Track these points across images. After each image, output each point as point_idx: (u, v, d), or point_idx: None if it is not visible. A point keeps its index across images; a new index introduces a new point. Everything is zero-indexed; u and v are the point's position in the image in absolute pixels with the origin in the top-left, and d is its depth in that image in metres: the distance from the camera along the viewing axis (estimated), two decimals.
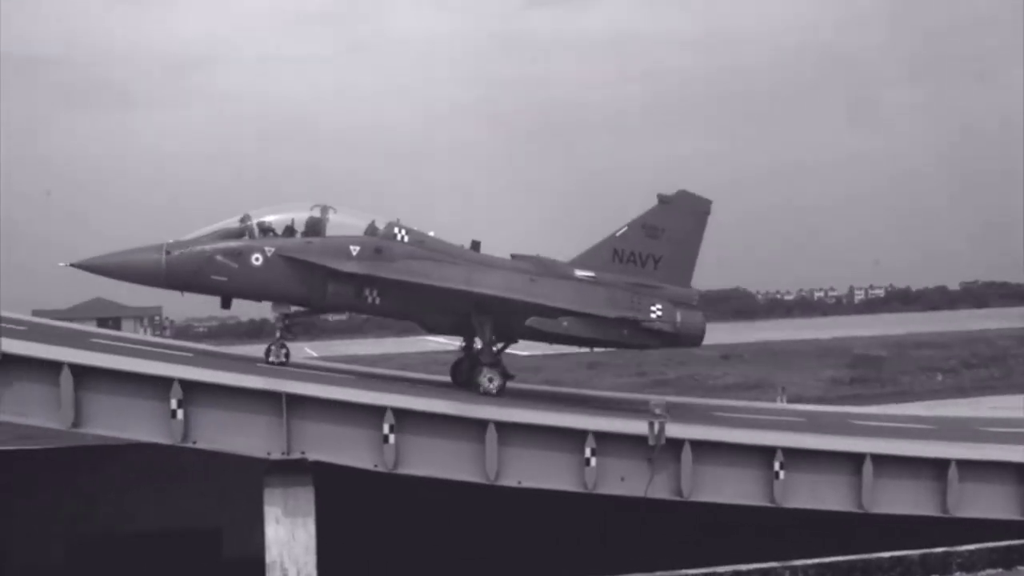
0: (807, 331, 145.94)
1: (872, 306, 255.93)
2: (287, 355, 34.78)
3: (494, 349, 35.67)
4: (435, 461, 28.97)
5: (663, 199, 37.02)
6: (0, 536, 37.80)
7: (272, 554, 28.55)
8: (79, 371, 27.55)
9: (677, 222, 36.83)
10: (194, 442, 28.04)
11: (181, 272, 33.39)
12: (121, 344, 36.45)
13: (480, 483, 29.10)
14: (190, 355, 35.76)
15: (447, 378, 39.40)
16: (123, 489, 38.43)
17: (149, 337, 76.97)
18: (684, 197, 37.14)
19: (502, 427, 29.01)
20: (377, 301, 34.36)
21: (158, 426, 27.92)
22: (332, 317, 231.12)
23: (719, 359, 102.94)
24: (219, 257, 33.38)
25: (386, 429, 28.40)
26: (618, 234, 36.83)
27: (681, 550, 30.93)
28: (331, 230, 34.11)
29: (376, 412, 28.59)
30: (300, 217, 33.99)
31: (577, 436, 29.57)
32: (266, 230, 33.86)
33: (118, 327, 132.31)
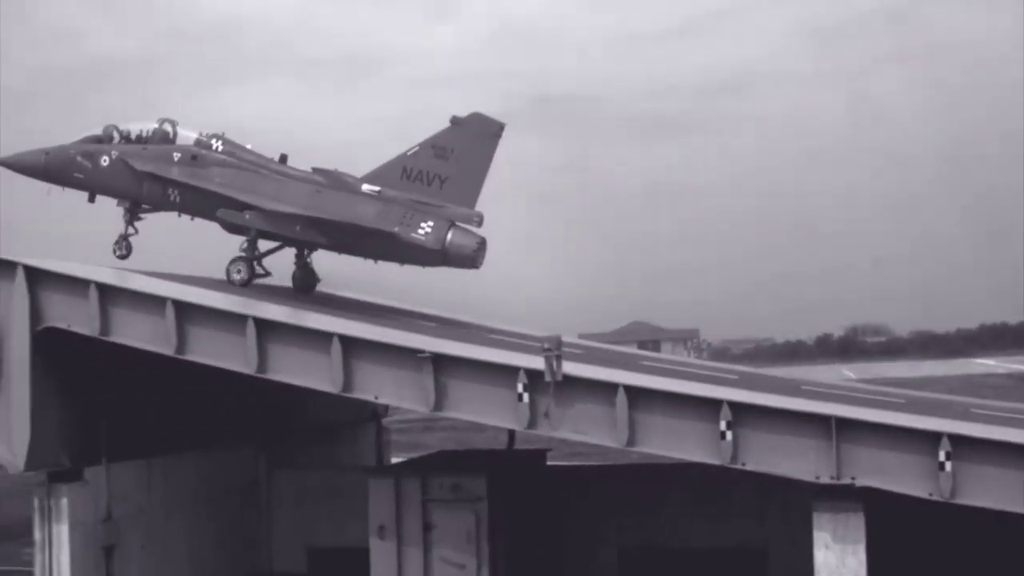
0: None
1: None
2: (128, 248, 38.75)
3: (305, 254, 39.52)
4: (999, 491, 27.12)
5: (455, 120, 37.03)
6: (558, 542, 40.22)
7: None
8: (632, 393, 28.74)
9: (467, 143, 36.86)
10: (743, 464, 28.31)
11: (53, 168, 38.77)
12: (667, 366, 37.67)
13: None
14: (735, 377, 36.18)
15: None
16: (672, 505, 39.52)
17: (692, 359, 78.89)
18: (476, 119, 37.03)
19: None
20: (177, 200, 38.29)
21: (707, 447, 28.48)
22: (871, 339, 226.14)
23: None
24: (79, 158, 38.60)
25: (941, 456, 27.07)
26: (409, 153, 37.40)
27: None
28: (177, 141, 38.73)
29: (931, 438, 27.34)
30: (148, 128, 38.84)
31: None
32: (123, 138, 38.75)
33: (657, 349, 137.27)
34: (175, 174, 38.05)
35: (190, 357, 31.99)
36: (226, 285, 38.26)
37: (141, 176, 38.36)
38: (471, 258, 36.60)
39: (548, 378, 28.89)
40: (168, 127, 38.80)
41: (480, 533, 34.54)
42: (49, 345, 32.96)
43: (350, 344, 30.73)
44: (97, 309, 32.25)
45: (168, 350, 31.96)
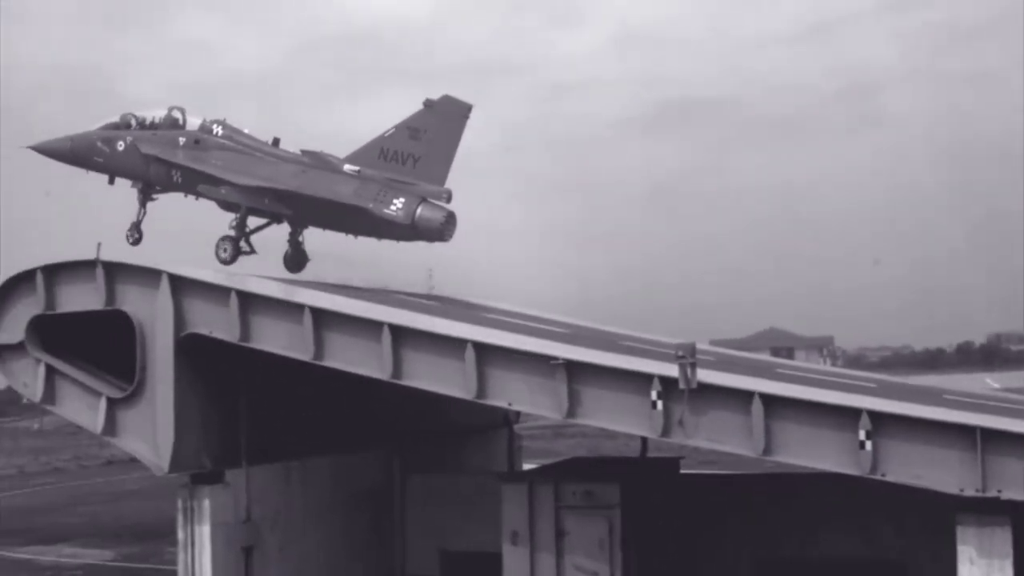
0: None
1: None
2: (140, 236, 41.44)
3: (297, 233, 41.54)
4: None
5: (427, 103, 38.97)
6: (692, 551, 39.82)
7: None
8: (768, 401, 28.26)
9: (438, 124, 38.87)
10: (883, 474, 27.51)
11: (78, 152, 41.71)
12: (803, 374, 37.00)
13: None
14: (873, 385, 35.39)
15: None
16: (808, 515, 38.73)
17: (828, 367, 77.52)
18: (447, 101, 39.00)
19: None
20: (179, 181, 40.84)
21: (846, 456, 27.74)
22: (1015, 346, 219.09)
23: None
24: (98, 143, 41.44)
25: None
26: (387, 135, 39.45)
27: None
28: (186, 127, 41.14)
29: None
30: (159, 115, 41.34)
31: None
32: (138, 124, 41.30)
33: (791, 356, 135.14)
34: (179, 157, 40.66)
35: (327, 363, 32.51)
36: (361, 292, 38.86)
37: (149, 159, 41.01)
38: (439, 231, 38.43)
39: (682, 385, 28.48)
40: (177, 114, 41.48)
41: (613, 541, 34.36)
42: (191, 350, 33.87)
43: (483, 350, 30.81)
44: (237, 316, 33.03)
45: (306, 356, 32.55)
